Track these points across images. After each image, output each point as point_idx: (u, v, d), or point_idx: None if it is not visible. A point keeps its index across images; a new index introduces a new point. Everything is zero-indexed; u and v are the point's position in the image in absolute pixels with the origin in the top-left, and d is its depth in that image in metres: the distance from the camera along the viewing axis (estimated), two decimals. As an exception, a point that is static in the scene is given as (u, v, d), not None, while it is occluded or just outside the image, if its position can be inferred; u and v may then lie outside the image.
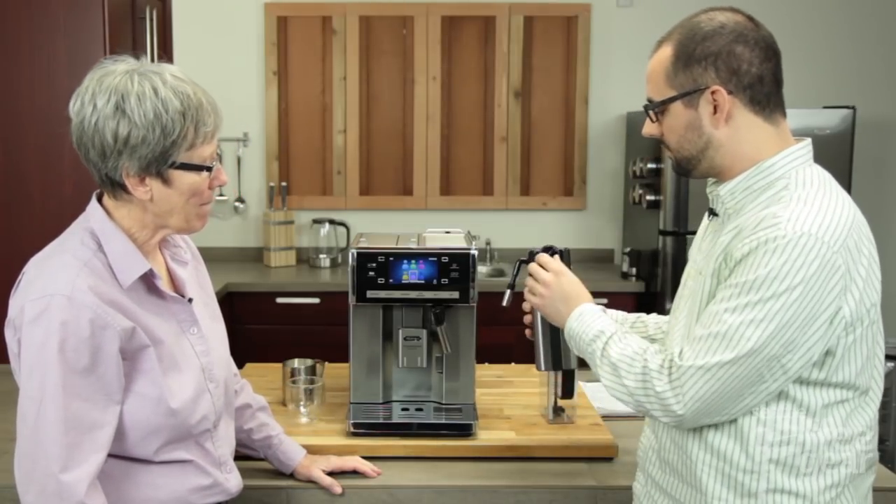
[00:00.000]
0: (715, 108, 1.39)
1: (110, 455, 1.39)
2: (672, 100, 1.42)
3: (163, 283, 1.47)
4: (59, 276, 1.35)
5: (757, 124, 1.41)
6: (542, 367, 1.81)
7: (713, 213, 1.50)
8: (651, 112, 1.46)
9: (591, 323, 1.50)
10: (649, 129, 1.49)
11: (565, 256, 1.71)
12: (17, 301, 1.37)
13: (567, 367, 1.80)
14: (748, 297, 1.29)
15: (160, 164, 1.38)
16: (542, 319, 1.75)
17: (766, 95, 1.41)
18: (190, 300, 1.52)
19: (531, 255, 1.70)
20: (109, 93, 1.36)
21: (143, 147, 1.36)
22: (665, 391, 1.35)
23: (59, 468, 1.30)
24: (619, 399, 1.43)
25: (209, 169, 1.42)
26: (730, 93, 1.39)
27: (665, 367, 1.36)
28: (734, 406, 1.34)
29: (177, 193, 1.41)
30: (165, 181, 1.40)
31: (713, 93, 1.39)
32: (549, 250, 1.70)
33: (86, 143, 1.38)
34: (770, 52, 1.41)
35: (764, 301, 1.28)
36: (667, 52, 1.43)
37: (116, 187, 1.41)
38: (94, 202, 1.46)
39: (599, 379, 1.47)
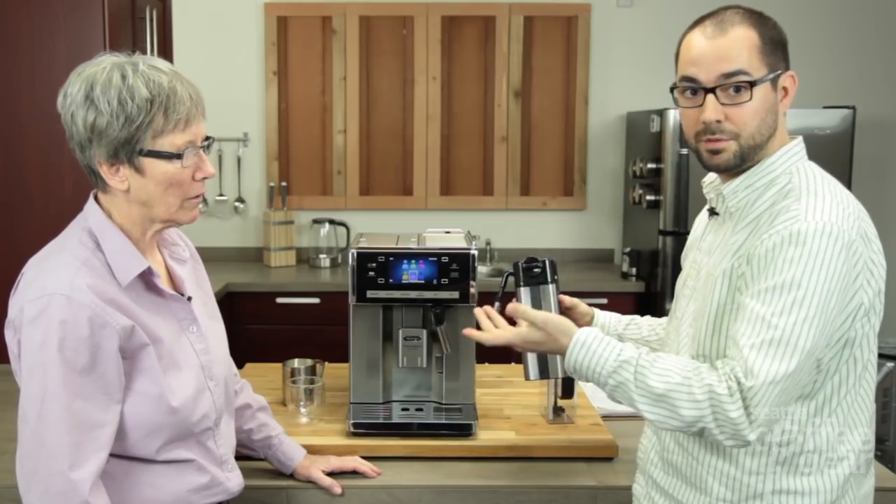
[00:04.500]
0: (784, 93, 1.40)
1: (112, 454, 1.39)
2: (767, 78, 1.37)
3: (161, 282, 1.47)
4: (57, 275, 1.35)
5: (783, 119, 1.43)
6: (531, 377, 1.77)
7: (713, 212, 1.50)
8: (743, 88, 1.36)
9: (602, 353, 1.40)
10: (717, 112, 1.38)
11: (550, 267, 1.67)
12: (17, 301, 1.37)
13: (554, 376, 1.77)
14: (792, 295, 1.27)
15: (128, 152, 1.38)
16: None
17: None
18: (189, 298, 1.52)
19: (516, 268, 1.68)
20: (81, 83, 1.38)
21: (109, 134, 1.36)
22: (739, 416, 1.28)
23: (63, 467, 1.30)
24: (669, 429, 1.36)
25: (178, 157, 1.39)
26: None
27: (735, 390, 1.29)
28: (780, 416, 1.33)
29: (152, 183, 1.40)
30: (138, 170, 1.39)
31: (791, 76, 1.40)
32: (533, 262, 1.67)
33: (71, 135, 1.40)
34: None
35: (809, 297, 1.27)
36: (748, 31, 1.38)
37: (98, 178, 1.42)
38: (91, 201, 1.46)
39: (630, 405, 1.37)
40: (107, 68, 1.38)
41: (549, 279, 1.68)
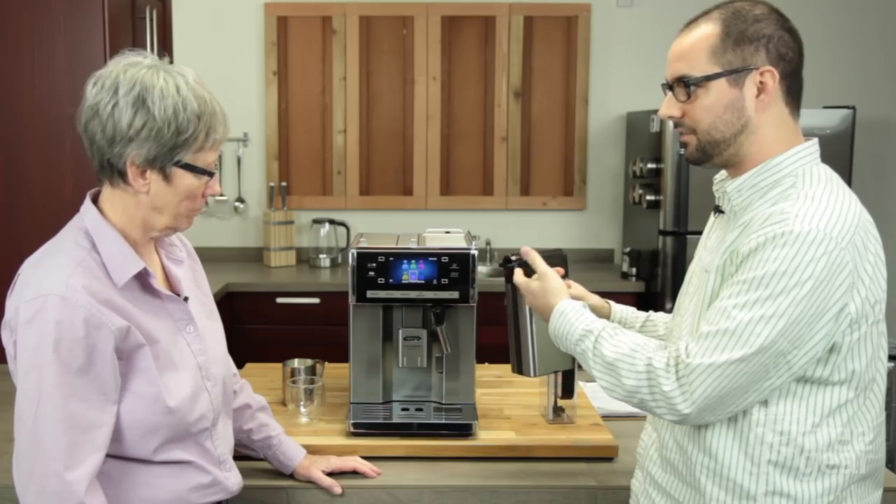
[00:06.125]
0: (759, 90, 1.38)
1: (109, 455, 1.39)
2: (718, 75, 1.38)
3: (158, 282, 1.47)
4: (53, 276, 1.35)
5: (784, 116, 1.41)
6: (514, 370, 1.80)
7: (719, 210, 1.50)
8: (688, 87, 1.40)
9: (574, 322, 1.47)
10: (671, 108, 1.44)
11: (521, 264, 1.69)
12: (13, 302, 1.37)
13: (527, 374, 1.78)
14: (758, 293, 1.28)
15: (165, 160, 1.39)
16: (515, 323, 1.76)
17: (797, 89, 1.42)
18: (185, 298, 1.52)
19: (506, 260, 1.72)
20: (134, 83, 1.38)
21: (156, 140, 1.38)
22: (672, 390, 1.33)
23: (59, 468, 1.30)
24: (617, 398, 1.41)
25: (210, 174, 1.44)
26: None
27: (671, 365, 1.34)
28: (738, 403, 1.33)
29: (173, 192, 1.42)
30: (167, 177, 1.41)
31: (762, 73, 1.37)
32: (508, 261, 1.71)
33: (94, 126, 1.39)
34: (801, 49, 1.42)
35: (774, 297, 1.27)
36: (711, 28, 1.39)
37: (115, 174, 1.41)
38: (87, 202, 1.46)
39: (591, 375, 1.45)
40: (161, 74, 1.39)
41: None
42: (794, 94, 1.42)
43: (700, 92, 1.40)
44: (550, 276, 1.61)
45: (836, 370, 1.34)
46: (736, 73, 1.38)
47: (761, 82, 1.38)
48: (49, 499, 1.31)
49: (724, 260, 1.38)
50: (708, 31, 1.40)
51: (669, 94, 1.45)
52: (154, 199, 1.42)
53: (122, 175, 1.40)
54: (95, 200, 1.47)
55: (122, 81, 1.38)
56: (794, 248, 1.27)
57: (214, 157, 1.46)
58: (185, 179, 1.42)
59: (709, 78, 1.39)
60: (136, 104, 1.37)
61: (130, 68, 1.40)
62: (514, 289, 1.70)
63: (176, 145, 1.39)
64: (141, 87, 1.38)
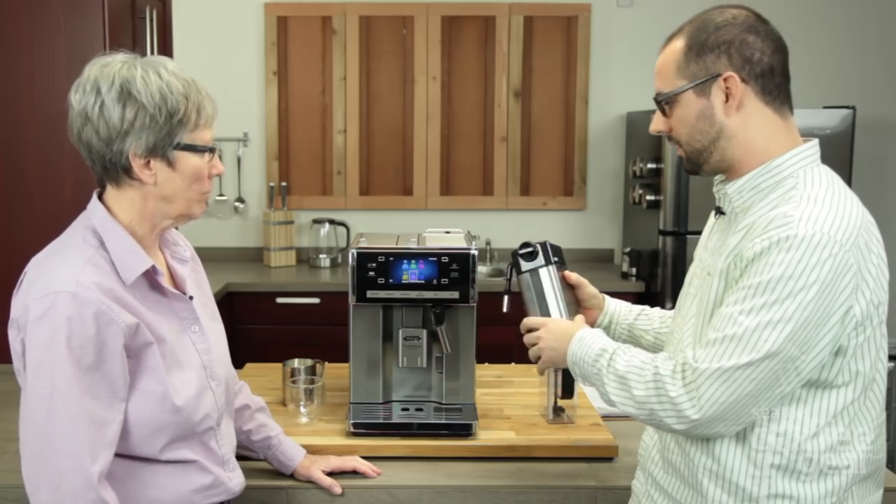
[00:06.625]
0: (727, 95, 1.39)
1: (115, 454, 1.38)
2: (684, 89, 1.42)
3: (165, 280, 1.48)
4: (62, 273, 1.35)
5: (767, 115, 1.41)
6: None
7: (720, 211, 1.50)
8: (662, 104, 1.46)
9: (592, 344, 1.50)
10: (657, 124, 1.49)
11: (543, 250, 1.74)
12: (21, 300, 1.37)
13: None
14: (764, 298, 1.28)
15: (166, 146, 1.40)
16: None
17: (776, 86, 1.41)
18: (191, 298, 1.52)
19: (513, 257, 1.75)
20: (113, 78, 1.38)
21: (152, 127, 1.38)
22: (679, 395, 1.33)
23: (74, 464, 1.30)
24: (629, 413, 1.41)
25: (212, 150, 1.45)
26: (743, 80, 1.39)
27: (678, 371, 1.34)
28: (748, 412, 1.32)
29: (180, 177, 1.43)
30: (171, 163, 1.42)
31: (726, 79, 1.39)
32: (526, 247, 1.75)
33: (88, 131, 1.39)
34: (779, 45, 1.42)
35: (781, 301, 1.27)
36: (678, 44, 1.43)
37: (120, 172, 1.41)
38: (94, 200, 1.46)
39: (607, 398, 1.44)
40: (138, 65, 1.40)
41: (545, 262, 1.72)
42: (771, 93, 1.41)
43: (674, 106, 1.44)
44: (551, 320, 1.66)
45: (840, 373, 1.34)
46: (701, 84, 1.40)
47: (727, 87, 1.39)
48: (64, 497, 1.30)
49: (727, 264, 1.38)
50: (676, 46, 1.44)
51: (657, 111, 1.49)
52: (162, 188, 1.43)
53: (128, 171, 1.41)
54: (101, 197, 1.47)
55: (101, 81, 1.39)
56: (800, 252, 1.27)
57: (211, 135, 1.47)
58: (189, 161, 1.43)
59: (676, 93, 1.43)
60: (122, 97, 1.38)
61: (106, 67, 1.40)
62: (532, 273, 1.72)
63: (171, 128, 1.40)
64: (121, 80, 1.38)
